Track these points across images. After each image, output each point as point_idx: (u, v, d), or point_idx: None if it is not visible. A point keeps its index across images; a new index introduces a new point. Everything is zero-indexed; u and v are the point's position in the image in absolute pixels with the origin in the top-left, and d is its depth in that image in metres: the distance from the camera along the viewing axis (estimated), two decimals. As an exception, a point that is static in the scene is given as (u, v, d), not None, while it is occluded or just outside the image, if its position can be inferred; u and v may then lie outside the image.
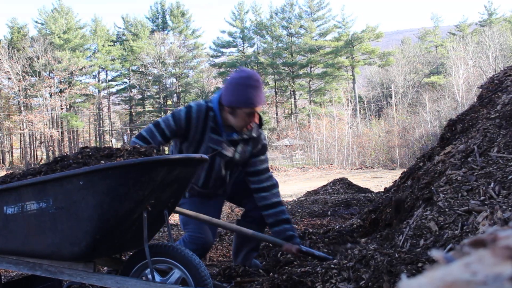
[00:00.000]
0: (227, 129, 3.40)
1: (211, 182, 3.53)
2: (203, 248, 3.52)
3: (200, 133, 3.35)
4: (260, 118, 3.53)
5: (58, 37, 54.54)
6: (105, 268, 3.38)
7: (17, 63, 49.49)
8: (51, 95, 52.99)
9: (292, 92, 62.39)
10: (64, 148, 53.48)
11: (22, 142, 54.15)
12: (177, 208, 3.22)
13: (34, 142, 54.87)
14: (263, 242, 4.41)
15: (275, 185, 3.66)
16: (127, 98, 64.25)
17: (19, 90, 50.67)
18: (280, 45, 60.87)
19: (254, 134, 3.50)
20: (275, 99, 63.09)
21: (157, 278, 2.62)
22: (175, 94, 61.50)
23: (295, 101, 62.14)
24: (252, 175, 3.61)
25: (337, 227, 4.72)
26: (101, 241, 2.41)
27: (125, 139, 53.57)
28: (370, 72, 65.42)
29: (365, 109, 60.99)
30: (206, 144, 3.36)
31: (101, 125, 62.83)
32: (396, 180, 4.50)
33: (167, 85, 61.36)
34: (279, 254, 4.06)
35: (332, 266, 2.66)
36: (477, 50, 47.65)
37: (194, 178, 3.38)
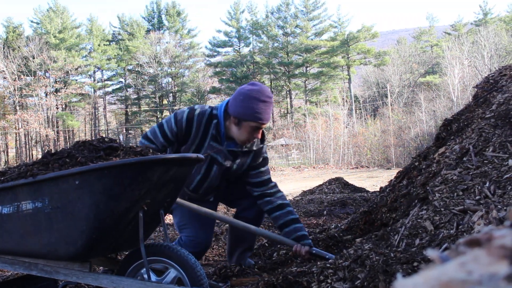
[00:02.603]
0: (229, 139, 3.35)
1: (202, 188, 3.49)
2: (202, 251, 3.52)
3: (201, 139, 3.30)
4: (263, 134, 3.49)
5: (54, 37, 54.43)
6: (101, 267, 3.38)
7: (13, 62, 49.34)
8: (46, 95, 52.87)
9: (288, 92, 62.41)
10: (60, 148, 53.25)
11: (18, 142, 54.01)
12: (179, 200, 3.21)
13: (30, 142, 54.72)
14: (257, 242, 4.41)
15: (280, 191, 3.61)
16: (123, 97, 64.17)
17: (15, 90, 50.52)
18: (276, 44, 60.88)
19: (254, 148, 3.44)
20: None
21: (153, 277, 2.62)
22: (171, 94, 61.45)
23: (291, 101, 62.14)
24: (256, 186, 3.56)
25: (332, 226, 4.73)
26: (97, 241, 2.40)
27: (121, 139, 53.48)
28: (365, 71, 65.47)
29: (360, 109, 61.09)
30: (205, 151, 3.30)
31: (96, 125, 62.71)
32: (391, 180, 4.50)
33: (163, 85, 61.29)
34: (274, 254, 4.06)
35: (328, 265, 2.66)
36: (472, 50, 47.74)
37: (187, 182, 3.38)
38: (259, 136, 3.34)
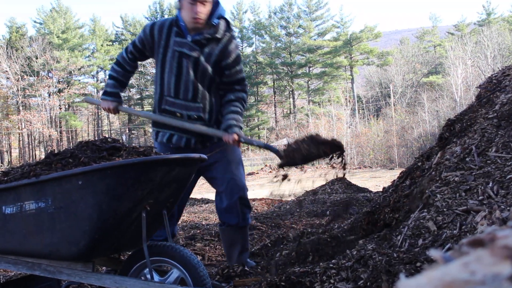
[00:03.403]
0: (192, 31, 3.44)
1: (181, 89, 3.48)
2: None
3: (165, 39, 3.46)
4: (228, 21, 3.57)
5: (57, 37, 54.49)
6: (104, 268, 3.38)
7: (16, 62, 49.40)
8: (49, 95, 52.93)
9: (290, 92, 62.37)
10: (63, 148, 53.40)
11: (21, 142, 54.05)
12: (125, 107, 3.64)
13: (33, 142, 54.79)
14: (260, 242, 4.40)
15: (243, 90, 3.64)
16: (126, 97, 64.22)
17: (18, 90, 50.57)
18: (278, 44, 60.87)
19: (218, 35, 3.48)
20: (274, 98, 63.09)
21: (156, 277, 2.62)
22: (174, 94, 61.36)
23: (293, 101, 62.12)
24: (225, 86, 3.59)
25: (335, 226, 4.73)
26: (100, 241, 2.41)
27: (124, 139, 53.53)
28: (368, 72, 65.40)
29: (363, 109, 61.03)
30: (172, 49, 3.44)
31: (99, 125, 62.80)
32: (394, 180, 4.49)
33: (166, 85, 61.21)
34: (277, 254, 4.06)
35: (331, 265, 2.66)
36: (475, 50, 47.67)
37: (166, 90, 3.48)
38: (201, 9, 3.37)
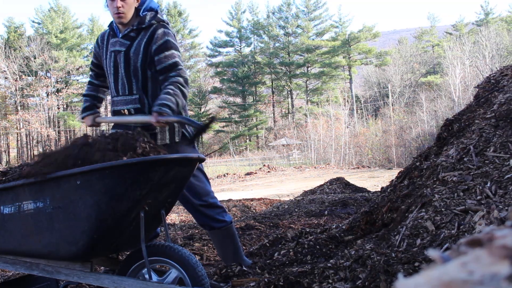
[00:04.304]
0: (122, 29, 3.51)
1: (119, 85, 3.47)
2: None
3: (106, 44, 3.57)
4: (156, 11, 3.58)
5: (55, 37, 54.47)
6: (102, 268, 3.38)
7: (14, 62, 49.38)
8: (48, 95, 52.91)
9: (289, 92, 62.41)
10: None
11: (19, 142, 54.02)
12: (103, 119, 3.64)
13: (31, 142, 54.74)
14: (258, 242, 4.39)
15: (179, 75, 3.41)
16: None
17: (16, 90, 50.56)
18: (277, 44, 60.91)
19: (143, 25, 3.48)
20: (272, 98, 63.11)
21: (154, 277, 2.62)
22: (172, 94, 61.37)
23: (292, 101, 62.14)
24: (160, 73, 3.44)
25: (333, 226, 4.73)
26: (99, 241, 2.40)
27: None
28: (367, 71, 65.46)
29: (362, 109, 61.07)
30: (108, 51, 3.51)
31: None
32: (392, 180, 4.50)
33: (164, 85, 61.23)
34: (275, 254, 4.06)
35: (329, 265, 2.66)
36: (473, 50, 47.74)
37: (112, 91, 3.56)
38: (119, 3, 3.39)
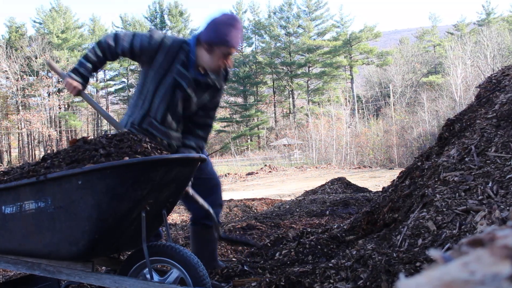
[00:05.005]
0: (196, 68, 3.38)
1: (168, 118, 3.43)
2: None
3: (168, 62, 3.34)
4: (227, 71, 3.57)
5: (56, 37, 54.56)
6: (104, 267, 3.38)
7: (15, 62, 49.43)
8: (49, 95, 52.97)
9: (290, 92, 62.42)
10: (62, 148, 53.28)
11: (20, 142, 54.07)
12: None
13: (32, 142, 54.82)
14: (260, 242, 4.39)
15: (211, 126, 3.66)
16: (125, 97, 64.21)
17: (17, 90, 50.60)
18: (278, 44, 60.93)
19: (218, 85, 3.49)
20: (273, 98, 63.13)
21: (156, 277, 2.62)
22: (173, 94, 61.48)
23: (293, 101, 62.15)
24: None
25: (335, 226, 4.73)
26: (100, 241, 2.40)
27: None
28: (368, 71, 65.44)
29: (363, 109, 61.05)
30: (172, 75, 3.34)
31: (99, 125, 62.77)
32: (394, 180, 4.49)
33: (166, 85, 61.32)
34: (277, 254, 4.06)
35: (330, 265, 2.66)
36: (475, 50, 47.69)
37: (153, 111, 3.37)
38: (230, 63, 3.38)
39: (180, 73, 3.33)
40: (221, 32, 3.24)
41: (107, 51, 3.39)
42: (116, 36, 3.39)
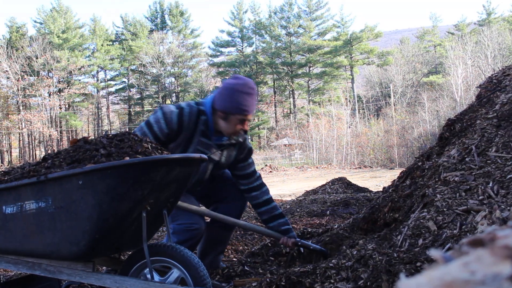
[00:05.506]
0: (216, 133, 3.39)
1: (191, 182, 3.49)
2: (196, 237, 3.49)
3: (190, 135, 3.32)
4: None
5: (57, 37, 54.55)
6: (104, 267, 3.38)
7: (16, 62, 49.45)
8: (49, 95, 52.98)
9: (291, 92, 62.42)
10: (63, 148, 53.27)
11: (21, 142, 54.10)
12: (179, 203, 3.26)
13: (33, 142, 54.85)
14: (260, 241, 4.40)
15: (264, 184, 3.75)
16: (126, 97, 64.27)
17: (18, 90, 50.61)
18: (279, 44, 60.92)
19: (240, 139, 3.51)
20: (274, 98, 63.14)
21: (156, 277, 2.62)
22: (174, 94, 61.54)
23: (294, 101, 62.16)
24: (242, 179, 3.67)
25: (335, 226, 4.73)
26: (100, 241, 2.41)
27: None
28: (369, 71, 65.45)
29: (364, 109, 61.05)
30: (194, 147, 3.33)
31: (100, 125, 62.80)
32: (394, 180, 4.49)
33: (166, 85, 61.41)
34: (278, 254, 4.06)
35: (331, 265, 2.66)
36: (475, 50, 47.69)
37: None
38: (246, 127, 3.39)
39: (203, 143, 3.35)
40: (235, 101, 3.22)
41: None
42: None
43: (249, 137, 3.53)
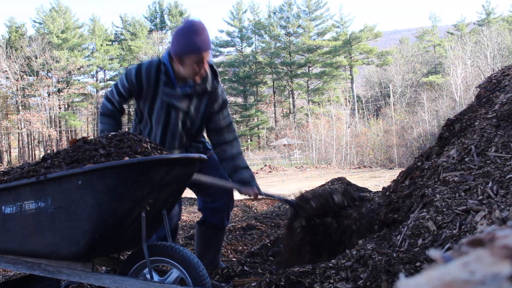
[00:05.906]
0: (180, 82, 3.39)
1: (167, 139, 3.46)
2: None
3: (153, 88, 3.36)
4: (214, 70, 3.56)
5: (56, 37, 54.52)
6: (103, 267, 3.38)
7: (15, 62, 49.41)
8: (49, 95, 52.96)
9: (290, 92, 62.41)
10: (62, 148, 53.25)
11: (20, 142, 54.06)
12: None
13: (32, 142, 54.82)
14: (260, 242, 4.40)
15: (236, 138, 3.71)
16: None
17: (17, 90, 50.59)
18: (278, 44, 60.90)
19: (208, 87, 3.48)
20: (273, 98, 63.13)
21: (156, 277, 2.62)
22: (173, 94, 61.49)
23: (293, 101, 62.15)
24: (214, 132, 3.64)
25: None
26: (100, 241, 2.41)
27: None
28: (368, 71, 65.45)
29: (363, 109, 61.05)
30: (160, 99, 3.36)
31: (99, 125, 62.72)
32: (394, 180, 4.49)
33: (165, 85, 61.31)
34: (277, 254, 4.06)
35: (330, 265, 2.66)
36: (475, 50, 47.69)
37: (152, 137, 3.42)
38: (206, 68, 3.36)
39: (167, 94, 3.36)
40: (185, 42, 3.24)
41: (109, 113, 3.49)
42: (107, 98, 3.51)
43: (226, 94, 3.49)
